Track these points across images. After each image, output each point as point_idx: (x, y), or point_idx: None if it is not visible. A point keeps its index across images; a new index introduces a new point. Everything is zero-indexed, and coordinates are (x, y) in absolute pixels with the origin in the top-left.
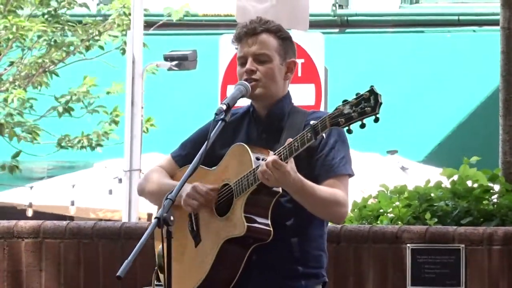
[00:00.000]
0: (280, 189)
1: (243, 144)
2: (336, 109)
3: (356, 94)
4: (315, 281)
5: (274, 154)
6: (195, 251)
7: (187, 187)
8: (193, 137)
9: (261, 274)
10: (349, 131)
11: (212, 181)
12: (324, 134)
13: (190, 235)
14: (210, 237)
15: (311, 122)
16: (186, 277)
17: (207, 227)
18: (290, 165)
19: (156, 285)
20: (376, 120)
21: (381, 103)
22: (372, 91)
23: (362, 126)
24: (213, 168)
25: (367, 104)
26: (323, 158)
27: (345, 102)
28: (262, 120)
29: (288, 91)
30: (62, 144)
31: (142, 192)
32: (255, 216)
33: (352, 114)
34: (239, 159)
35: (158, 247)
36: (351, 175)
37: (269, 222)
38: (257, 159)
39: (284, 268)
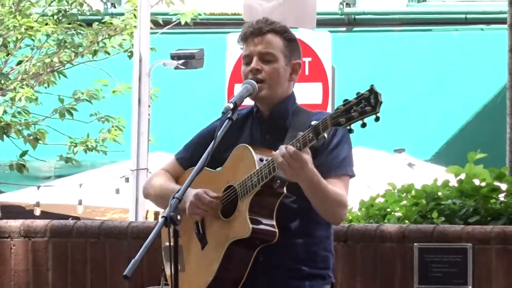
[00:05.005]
0: (284, 190)
1: (246, 145)
2: (337, 109)
3: (357, 94)
4: (322, 282)
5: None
6: (202, 253)
7: (190, 194)
8: (197, 138)
9: (268, 275)
10: (350, 131)
11: (217, 183)
12: (326, 135)
13: (196, 238)
14: (216, 239)
15: (312, 123)
16: (193, 280)
17: (213, 229)
18: (307, 156)
19: (165, 284)
20: (377, 119)
21: (381, 102)
22: (372, 90)
23: (363, 125)
24: (217, 169)
25: (367, 104)
26: (325, 157)
27: (345, 102)
28: (265, 120)
29: (293, 92)
30: (67, 157)
31: (147, 195)
32: (260, 217)
33: (353, 113)
34: (243, 161)
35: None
36: (352, 176)
37: (274, 223)
38: (261, 160)
39: (291, 268)
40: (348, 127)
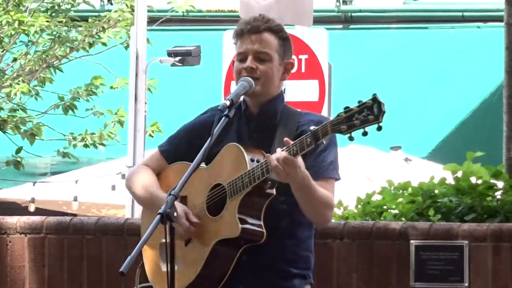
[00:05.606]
0: (274, 191)
1: (237, 144)
2: (338, 115)
3: (359, 102)
4: (303, 282)
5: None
6: (185, 249)
7: (179, 207)
8: (182, 132)
9: (254, 274)
10: (351, 138)
11: (204, 180)
12: (324, 141)
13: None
14: (201, 237)
15: (311, 128)
16: (175, 276)
17: (198, 226)
18: (301, 160)
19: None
20: (379, 128)
21: (384, 112)
22: (375, 99)
23: (364, 134)
24: (202, 165)
25: (370, 112)
26: (313, 159)
27: (347, 109)
28: (253, 118)
29: (282, 91)
30: (64, 152)
31: (129, 189)
32: (248, 217)
33: (355, 121)
34: (233, 160)
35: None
36: (337, 179)
37: (262, 223)
38: (252, 160)
39: (276, 268)
40: (348, 135)
